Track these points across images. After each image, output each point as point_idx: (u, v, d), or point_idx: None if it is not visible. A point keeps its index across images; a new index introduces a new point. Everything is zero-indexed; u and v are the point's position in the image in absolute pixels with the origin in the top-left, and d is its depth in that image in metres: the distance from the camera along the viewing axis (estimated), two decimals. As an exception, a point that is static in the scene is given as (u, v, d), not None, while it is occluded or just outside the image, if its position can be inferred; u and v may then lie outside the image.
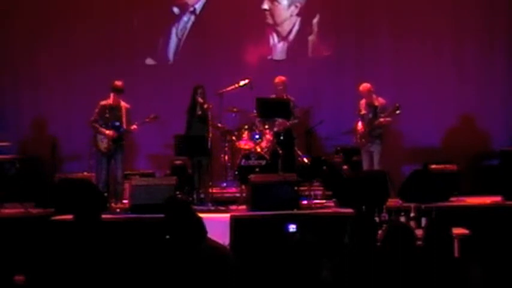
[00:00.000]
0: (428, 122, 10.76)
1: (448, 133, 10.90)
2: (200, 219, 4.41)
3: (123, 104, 9.27)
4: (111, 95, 9.22)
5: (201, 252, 4.24)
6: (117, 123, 9.14)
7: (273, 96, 9.82)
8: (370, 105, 9.46)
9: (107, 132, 9.11)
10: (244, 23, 11.25)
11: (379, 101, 9.46)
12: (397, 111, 9.19)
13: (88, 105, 9.66)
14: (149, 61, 11.51)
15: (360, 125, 9.54)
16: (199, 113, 9.32)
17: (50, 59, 11.16)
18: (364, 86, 9.49)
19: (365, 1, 11.21)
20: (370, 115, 9.42)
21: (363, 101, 9.54)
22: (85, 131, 10.03)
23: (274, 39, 11.37)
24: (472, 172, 10.09)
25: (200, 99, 9.31)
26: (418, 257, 4.43)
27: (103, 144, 9.14)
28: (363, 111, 9.52)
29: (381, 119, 9.28)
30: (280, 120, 9.66)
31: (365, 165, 9.52)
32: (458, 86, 10.94)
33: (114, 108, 9.19)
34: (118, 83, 9.21)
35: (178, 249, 4.27)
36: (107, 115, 9.15)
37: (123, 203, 9.05)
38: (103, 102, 9.20)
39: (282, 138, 9.49)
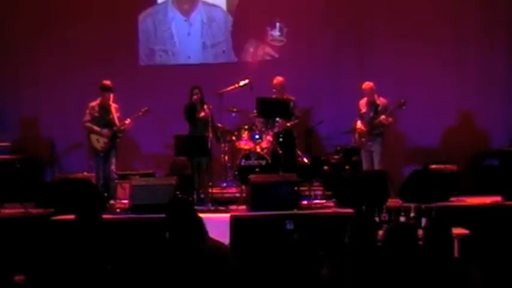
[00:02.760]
0: (428, 121, 10.75)
1: (448, 133, 10.90)
2: (201, 219, 4.41)
3: (112, 103, 9.30)
4: (109, 95, 9.24)
5: (201, 252, 4.25)
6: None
7: (273, 96, 9.83)
8: (372, 104, 9.47)
9: (102, 131, 9.14)
10: (244, 23, 11.25)
11: (380, 100, 9.48)
12: (403, 107, 9.22)
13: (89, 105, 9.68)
14: (149, 61, 11.51)
15: (359, 123, 9.56)
16: (202, 114, 9.33)
17: (50, 59, 11.17)
18: (367, 84, 9.52)
19: (365, 1, 11.20)
20: (371, 114, 9.44)
21: (363, 100, 9.55)
22: (85, 131, 10.03)
23: (273, 39, 11.36)
24: (472, 172, 10.08)
25: (195, 97, 9.30)
26: (418, 256, 4.43)
27: (99, 144, 9.17)
28: (363, 110, 9.53)
29: (382, 117, 9.30)
30: (280, 121, 9.66)
31: (365, 165, 9.52)
32: (459, 86, 10.94)
33: (104, 108, 9.23)
34: (106, 82, 9.25)
35: (178, 249, 4.27)
36: (97, 114, 9.19)
37: (123, 203, 9.05)
38: (93, 103, 9.26)
39: (281, 139, 9.49)
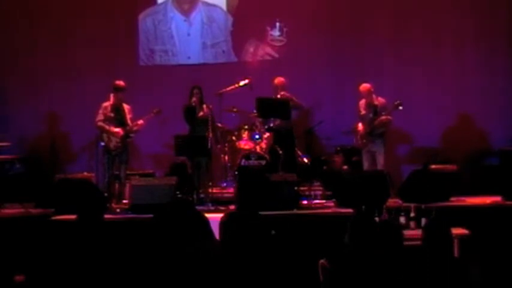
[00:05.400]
0: (428, 121, 10.75)
1: (448, 133, 10.89)
2: (206, 219, 4.42)
3: (124, 104, 9.36)
4: (112, 95, 9.30)
5: (205, 252, 4.25)
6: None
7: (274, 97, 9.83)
8: (370, 105, 9.48)
9: (116, 130, 9.17)
10: (244, 23, 11.26)
11: (379, 100, 9.49)
12: (400, 107, 9.23)
13: (88, 105, 9.70)
14: (149, 61, 11.52)
15: (360, 125, 9.57)
16: (201, 114, 9.34)
17: (50, 59, 11.17)
18: (364, 86, 9.53)
19: (365, 1, 11.20)
20: (371, 115, 9.45)
21: (362, 102, 9.57)
22: (85, 131, 10.06)
23: (273, 39, 11.37)
24: (472, 172, 10.08)
25: (194, 99, 9.31)
26: (406, 255, 4.43)
27: (112, 143, 9.20)
28: (363, 112, 9.54)
29: (382, 117, 9.31)
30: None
31: (366, 166, 9.52)
32: (459, 86, 10.92)
33: (117, 108, 9.27)
34: (119, 82, 9.29)
35: (178, 249, 4.27)
36: (111, 114, 9.22)
37: (123, 203, 9.05)
38: (106, 104, 9.28)
39: (274, 129, 9.48)
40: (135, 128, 9.33)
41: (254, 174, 7.73)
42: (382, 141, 9.49)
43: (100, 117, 9.26)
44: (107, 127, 9.22)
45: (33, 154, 10.81)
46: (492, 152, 10.53)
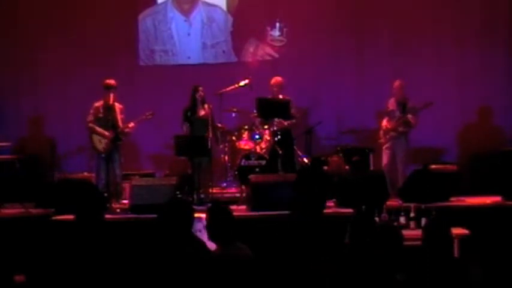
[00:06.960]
0: (429, 121, 10.72)
1: (449, 133, 10.89)
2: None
3: (116, 103, 9.23)
4: (111, 95, 9.24)
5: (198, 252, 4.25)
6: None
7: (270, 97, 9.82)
8: (400, 103, 9.49)
9: (104, 132, 9.10)
10: (244, 23, 11.27)
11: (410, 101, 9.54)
12: (429, 106, 9.31)
13: (88, 105, 9.66)
14: (149, 61, 11.52)
15: (385, 121, 9.58)
16: (202, 113, 9.32)
17: (50, 59, 11.18)
18: (396, 82, 9.55)
19: (365, 1, 11.20)
20: (398, 113, 9.46)
21: (392, 99, 9.57)
22: (85, 131, 10.03)
23: (273, 39, 11.37)
24: (472, 172, 10.08)
25: (201, 94, 9.29)
26: (406, 257, 4.43)
27: (101, 145, 9.12)
28: (390, 108, 9.55)
29: (409, 116, 9.34)
30: (277, 120, 9.66)
31: (384, 162, 9.51)
32: (459, 86, 10.92)
33: (109, 108, 9.16)
34: (109, 81, 9.18)
35: (179, 248, 4.27)
36: (101, 115, 9.13)
37: (123, 203, 9.04)
38: (97, 104, 9.18)
39: (279, 137, 9.48)
40: (126, 130, 9.19)
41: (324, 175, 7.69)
42: (404, 139, 9.50)
43: (90, 117, 9.15)
44: (96, 128, 9.12)
45: (32, 154, 10.80)
46: (493, 152, 10.51)
